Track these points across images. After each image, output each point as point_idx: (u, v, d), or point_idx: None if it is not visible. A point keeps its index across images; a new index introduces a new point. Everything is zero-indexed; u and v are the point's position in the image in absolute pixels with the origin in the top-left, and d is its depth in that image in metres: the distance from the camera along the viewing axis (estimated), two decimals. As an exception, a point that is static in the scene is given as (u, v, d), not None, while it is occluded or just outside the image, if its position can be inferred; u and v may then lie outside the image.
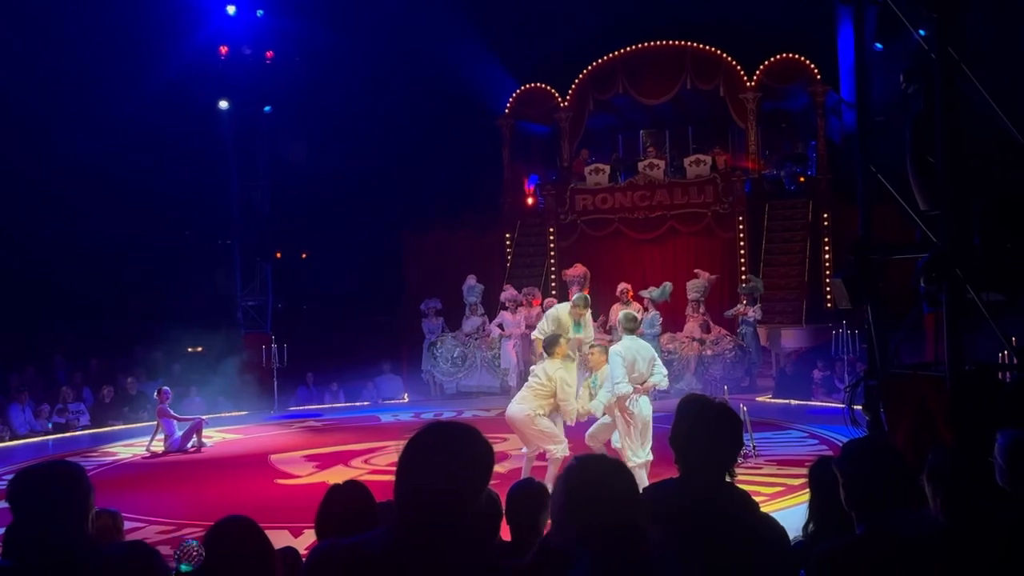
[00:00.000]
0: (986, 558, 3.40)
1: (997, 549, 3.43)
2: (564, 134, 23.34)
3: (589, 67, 23.05)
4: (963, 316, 6.35)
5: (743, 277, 20.46)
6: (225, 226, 22.44)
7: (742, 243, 21.19)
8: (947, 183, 6.44)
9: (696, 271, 19.41)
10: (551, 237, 22.59)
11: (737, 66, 21.81)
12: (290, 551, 4.80)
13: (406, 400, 20.23)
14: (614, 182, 22.44)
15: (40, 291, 20.21)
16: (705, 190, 21.47)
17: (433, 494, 2.44)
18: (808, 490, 4.27)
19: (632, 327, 10.22)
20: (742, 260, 21.08)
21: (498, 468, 11.55)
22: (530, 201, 24.13)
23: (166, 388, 15.13)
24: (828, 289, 19.11)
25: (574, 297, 11.58)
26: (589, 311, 11.39)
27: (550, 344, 10.13)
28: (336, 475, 11.39)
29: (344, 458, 13.04)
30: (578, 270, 19.05)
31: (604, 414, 10.07)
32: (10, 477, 3.24)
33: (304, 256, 25.84)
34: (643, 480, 8.95)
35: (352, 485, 4.31)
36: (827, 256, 20.89)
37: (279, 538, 7.26)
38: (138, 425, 17.04)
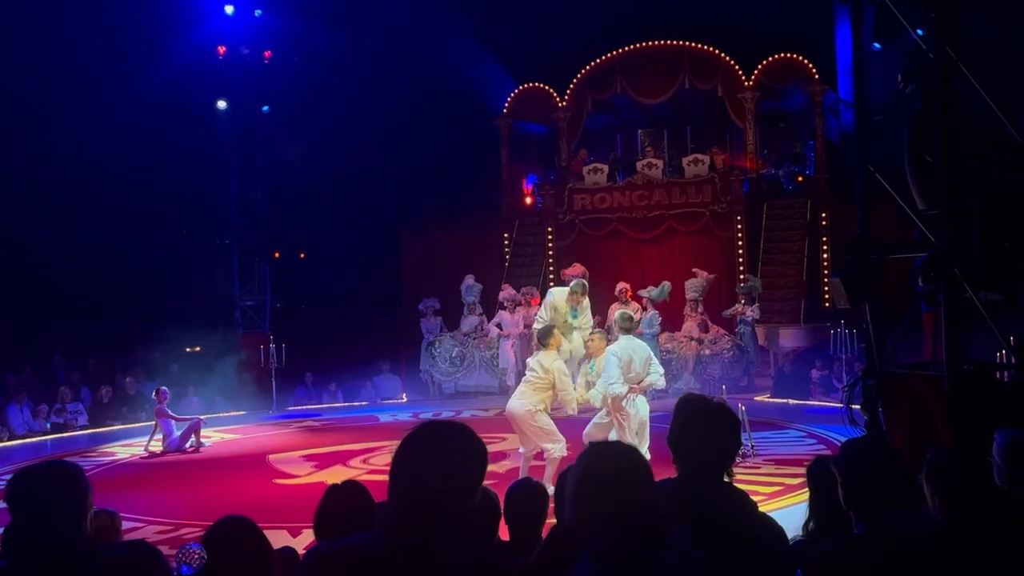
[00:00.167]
0: (984, 557, 3.40)
1: (995, 548, 3.44)
2: (562, 134, 23.33)
3: (587, 67, 23.03)
4: (961, 315, 6.35)
5: (741, 277, 20.47)
6: (224, 226, 22.45)
7: (740, 243, 21.20)
8: (945, 183, 6.45)
9: (694, 270, 19.42)
10: (549, 237, 22.59)
11: (735, 66, 21.80)
12: (289, 551, 4.80)
13: (404, 400, 20.22)
14: (612, 182, 22.46)
15: (38, 291, 20.22)
16: (703, 190, 21.48)
17: (427, 493, 2.44)
18: (807, 489, 4.28)
19: (628, 326, 10.20)
20: (740, 260, 21.09)
21: (496, 468, 11.62)
22: (528, 201, 24.12)
23: (164, 388, 15.11)
24: (826, 288, 19.11)
25: (571, 283, 11.43)
26: (587, 298, 11.26)
27: (544, 335, 10.09)
28: (334, 475, 11.39)
29: (342, 458, 13.04)
30: (577, 270, 19.00)
31: (601, 407, 10.04)
32: (8, 477, 3.24)
33: (302, 256, 25.85)
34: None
35: (351, 485, 4.31)
36: (825, 255, 20.89)
37: (278, 538, 7.26)
38: (136, 425, 17.04)
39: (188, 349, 21.01)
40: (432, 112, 23.00)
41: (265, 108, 22.08)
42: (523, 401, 9.89)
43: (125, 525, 5.64)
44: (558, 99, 23.19)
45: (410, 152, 23.29)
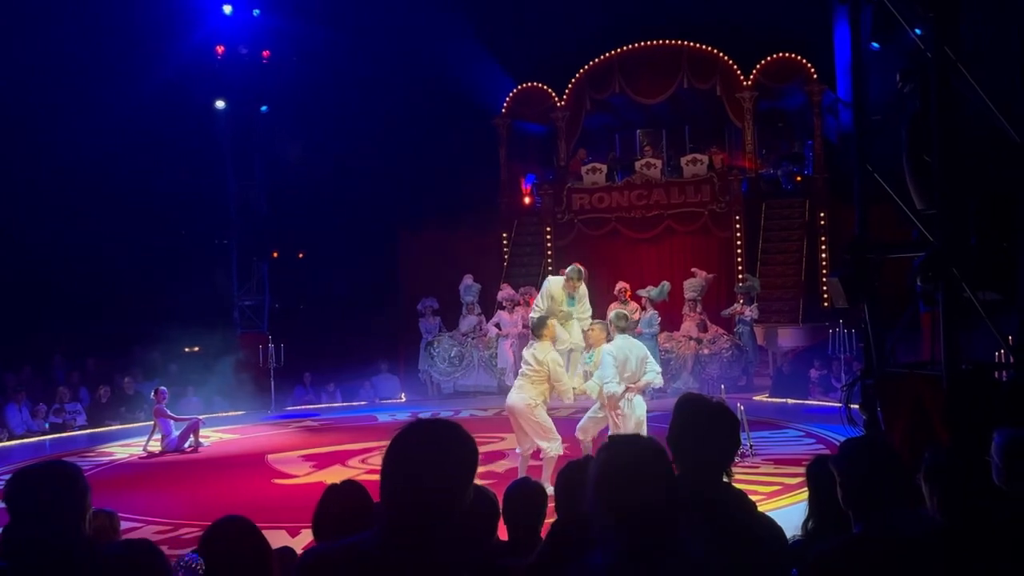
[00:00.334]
0: (983, 557, 3.40)
1: (994, 548, 3.44)
2: (561, 134, 23.33)
3: (586, 67, 23.03)
4: (959, 315, 6.36)
5: (740, 276, 20.47)
6: (222, 226, 22.45)
7: (739, 242, 21.21)
8: (943, 182, 6.45)
9: (693, 270, 19.43)
10: (548, 236, 22.60)
11: (734, 65, 21.81)
12: (287, 551, 4.80)
13: (403, 400, 20.22)
14: (611, 181, 22.47)
15: (37, 291, 20.21)
16: (702, 189, 21.49)
17: (420, 493, 2.43)
18: (806, 489, 4.28)
19: (624, 325, 10.17)
20: (739, 259, 21.10)
21: (495, 468, 11.61)
22: (527, 200, 24.13)
23: (163, 388, 15.11)
24: (825, 288, 19.12)
25: (567, 269, 11.30)
26: (584, 286, 11.12)
27: (538, 326, 10.07)
28: (333, 475, 11.39)
29: (341, 458, 13.03)
30: (575, 269, 19.02)
31: (597, 399, 10.03)
32: (7, 477, 3.24)
33: (301, 256, 25.83)
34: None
35: (349, 485, 4.31)
36: (824, 255, 20.90)
37: (276, 538, 7.26)
38: (135, 425, 17.03)
39: (187, 349, 21.01)
40: (430, 112, 23.00)
41: (263, 108, 22.08)
42: (523, 395, 9.88)
43: (124, 525, 5.65)
44: (557, 99, 23.19)
45: (409, 152, 23.29)
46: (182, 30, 21.17)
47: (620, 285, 18.25)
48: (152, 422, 14.80)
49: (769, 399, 17.68)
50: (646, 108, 23.43)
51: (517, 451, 10.23)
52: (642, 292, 18.50)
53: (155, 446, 14.51)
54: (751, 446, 11.88)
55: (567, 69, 23.13)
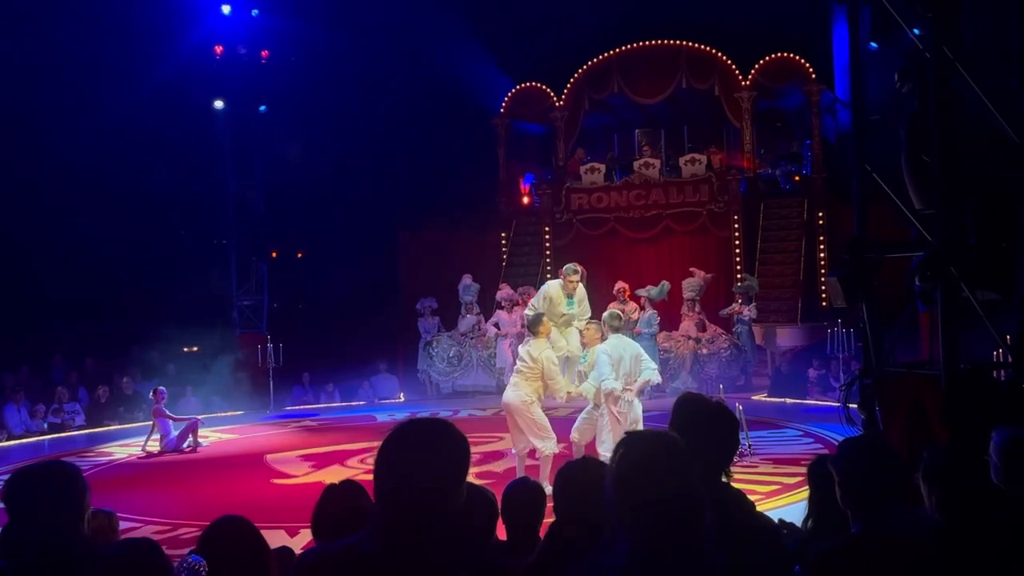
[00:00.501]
0: (982, 557, 3.41)
1: (992, 548, 3.44)
2: (560, 133, 23.34)
3: (584, 66, 23.04)
4: (958, 315, 6.36)
5: (738, 276, 20.47)
6: (221, 226, 22.44)
7: (737, 242, 21.22)
8: (942, 182, 6.45)
9: (692, 270, 19.43)
10: (547, 236, 22.60)
11: (732, 65, 21.82)
12: (286, 551, 4.79)
13: (402, 400, 20.22)
14: (610, 181, 22.48)
15: (36, 291, 20.19)
16: (700, 189, 21.51)
17: (414, 492, 2.43)
18: (805, 488, 4.28)
19: (617, 325, 10.17)
20: (737, 259, 21.11)
21: (493, 467, 11.60)
22: (526, 200, 24.13)
23: (162, 388, 15.10)
24: (823, 288, 19.13)
25: (564, 268, 11.18)
26: (582, 287, 11.02)
27: (534, 323, 10.07)
28: (332, 475, 11.39)
29: (340, 458, 13.02)
30: (574, 269, 19.01)
31: (592, 401, 10.03)
32: (6, 478, 3.24)
33: (300, 256, 25.84)
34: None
35: (348, 485, 4.31)
36: (822, 255, 20.91)
37: (275, 538, 7.25)
38: (134, 425, 17.02)
39: (185, 349, 20.99)
40: (429, 112, 23.00)
41: (262, 108, 22.07)
42: (518, 392, 9.89)
43: (122, 525, 5.65)
44: (555, 99, 23.20)
45: (407, 152, 23.29)
46: (180, 30, 21.17)
47: (619, 285, 18.25)
48: (151, 422, 14.79)
49: (768, 399, 17.68)
50: (645, 108, 23.43)
51: (513, 451, 10.23)
52: (642, 292, 18.50)
53: (154, 446, 14.50)
54: (750, 446, 11.88)
55: (566, 69, 23.14)
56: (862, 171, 7.32)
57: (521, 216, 23.59)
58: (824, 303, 19.45)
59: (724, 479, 3.29)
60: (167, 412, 14.77)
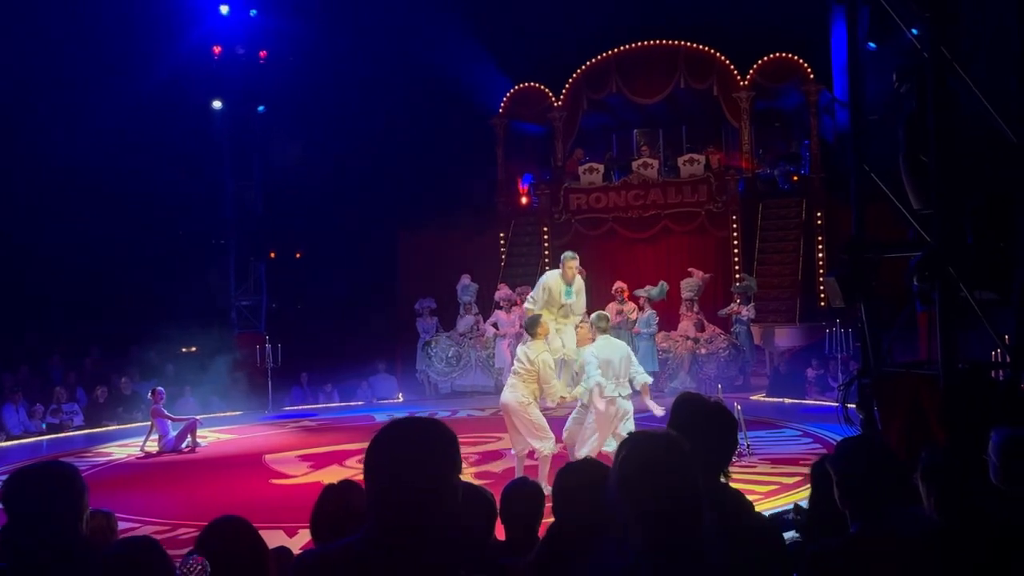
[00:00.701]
0: (980, 557, 3.41)
1: (991, 547, 3.45)
2: (558, 134, 23.33)
3: (583, 67, 23.02)
4: (956, 315, 6.37)
5: (737, 276, 20.47)
6: (219, 226, 22.43)
7: (736, 242, 21.23)
8: (940, 182, 6.46)
9: (690, 270, 19.43)
10: (545, 236, 22.59)
11: (730, 65, 21.82)
12: (284, 551, 4.79)
13: (401, 400, 20.21)
14: (608, 181, 22.47)
15: (34, 291, 20.17)
16: (699, 189, 21.50)
17: (405, 492, 2.42)
18: (804, 488, 4.29)
19: (604, 327, 10.15)
20: (736, 259, 21.11)
21: (492, 467, 11.59)
22: (524, 200, 24.11)
23: (160, 388, 15.11)
24: (822, 288, 19.11)
25: (563, 254, 11.14)
26: (581, 278, 10.98)
27: (531, 325, 10.07)
28: (331, 475, 11.38)
29: (339, 458, 13.01)
30: (573, 269, 19.00)
31: (585, 403, 10.02)
32: (5, 478, 3.24)
33: (298, 256, 25.82)
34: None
35: (347, 485, 4.31)
36: (821, 255, 20.91)
37: (274, 538, 7.25)
38: (132, 425, 17.01)
39: (184, 349, 20.97)
40: (428, 112, 23.00)
41: (261, 108, 22.08)
42: (516, 393, 9.91)
43: (121, 526, 5.64)
44: (554, 99, 23.19)
45: (406, 152, 23.29)
46: (179, 30, 21.17)
47: (617, 285, 18.25)
48: (149, 422, 14.78)
49: (766, 399, 17.69)
50: (643, 108, 23.43)
51: (512, 452, 10.23)
52: (641, 292, 18.50)
53: (152, 446, 14.50)
54: (748, 446, 11.89)
55: (564, 69, 23.13)
56: (860, 171, 7.33)
57: (519, 216, 23.58)
58: (822, 303, 19.44)
59: (723, 479, 3.29)
60: (165, 412, 14.77)
